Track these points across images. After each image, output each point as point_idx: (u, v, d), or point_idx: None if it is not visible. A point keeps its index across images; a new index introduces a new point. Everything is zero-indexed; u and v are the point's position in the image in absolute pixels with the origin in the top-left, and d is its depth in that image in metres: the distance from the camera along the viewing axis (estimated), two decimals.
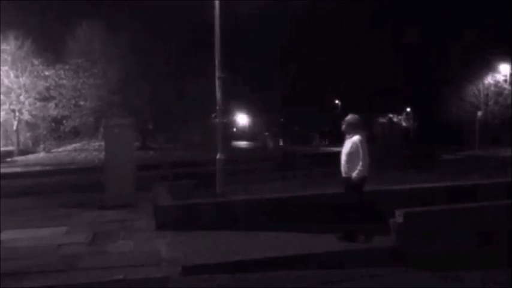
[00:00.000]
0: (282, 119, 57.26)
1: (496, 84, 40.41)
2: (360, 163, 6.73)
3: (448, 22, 43.05)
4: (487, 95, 40.61)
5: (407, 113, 56.26)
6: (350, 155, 6.84)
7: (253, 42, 38.56)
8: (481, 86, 41.05)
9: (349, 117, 7.07)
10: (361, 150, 6.77)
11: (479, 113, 39.18)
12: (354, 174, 6.74)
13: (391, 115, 57.84)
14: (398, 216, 6.69)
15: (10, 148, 30.91)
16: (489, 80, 40.64)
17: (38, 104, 30.68)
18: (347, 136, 6.99)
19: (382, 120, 58.51)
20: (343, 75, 47.97)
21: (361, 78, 47.98)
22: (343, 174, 6.94)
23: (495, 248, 6.49)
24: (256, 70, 40.74)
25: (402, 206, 6.85)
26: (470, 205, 7.25)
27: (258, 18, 35.88)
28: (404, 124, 57.22)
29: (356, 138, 6.84)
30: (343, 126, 7.05)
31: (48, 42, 30.99)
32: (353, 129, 6.96)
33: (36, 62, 30.15)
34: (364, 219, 6.78)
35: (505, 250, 6.39)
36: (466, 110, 40.91)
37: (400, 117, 57.67)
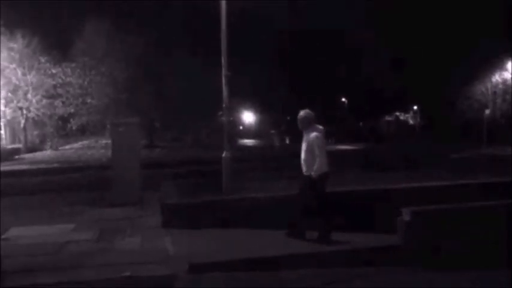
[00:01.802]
0: (288, 117, 57.16)
1: (504, 82, 40.19)
2: (317, 160, 6.59)
3: (453, 21, 42.82)
4: (495, 93, 40.40)
5: (414, 111, 56.01)
6: (307, 152, 6.70)
7: (257, 41, 38.51)
8: (488, 84, 40.85)
9: (301, 113, 6.90)
10: (317, 147, 6.63)
11: (487, 111, 38.97)
12: (313, 172, 6.61)
13: (397, 113, 57.63)
14: (406, 215, 6.66)
15: (17, 146, 31.09)
16: (497, 78, 40.43)
17: (45, 101, 30.82)
18: (304, 133, 6.84)
19: (389, 118, 58.31)
20: (348, 73, 47.88)
21: (366, 77, 47.89)
22: (304, 172, 6.79)
23: (496, 247, 6.46)
24: (261, 69, 40.70)
25: (404, 204, 6.83)
26: (475, 204, 7.21)
27: (261, 16, 35.82)
28: (411, 122, 56.99)
29: (313, 134, 6.70)
30: (298, 124, 6.91)
31: (55, 41, 31.11)
32: (307, 124, 6.81)
33: (43, 60, 30.29)
34: (327, 217, 6.68)
35: (505, 250, 6.36)
36: (473, 108, 40.72)
37: (407, 115, 57.43)
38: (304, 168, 6.79)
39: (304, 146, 6.79)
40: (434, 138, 39.18)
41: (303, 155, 6.79)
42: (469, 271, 5.78)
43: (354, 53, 47.25)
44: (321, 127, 6.83)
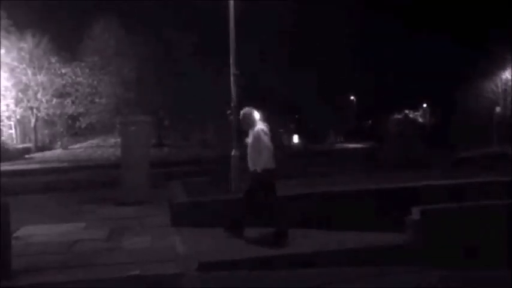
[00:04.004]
0: (296, 116, 57.00)
1: None
2: (262, 156, 6.55)
3: (461, 18, 42.52)
4: (505, 90, 40.05)
5: (424, 109, 55.61)
6: (252, 147, 6.68)
7: (263, 38, 38.38)
8: (498, 82, 40.51)
9: (244, 110, 6.90)
10: (262, 142, 6.58)
11: (497, 109, 38.63)
12: (258, 169, 6.57)
13: (407, 111, 57.22)
14: (415, 214, 6.63)
15: (28, 145, 31.34)
16: (507, 75, 40.07)
17: (55, 101, 31.04)
18: (250, 131, 6.80)
19: (398, 116, 57.92)
20: (357, 71, 47.66)
21: (374, 74, 47.62)
22: (250, 168, 6.78)
23: (503, 247, 6.41)
24: (266, 67, 40.59)
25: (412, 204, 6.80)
26: (482, 203, 7.17)
27: (267, 14, 35.68)
28: (420, 120, 56.57)
29: (257, 129, 6.67)
30: (242, 123, 6.91)
31: (64, 40, 31.30)
32: (252, 122, 6.80)
33: (53, 59, 30.50)
34: (283, 213, 6.64)
35: (505, 250, 6.31)
36: (483, 106, 40.36)
37: (416, 113, 57.02)
38: (250, 165, 6.76)
39: (249, 142, 6.76)
40: (442, 136, 38.88)
41: (248, 151, 6.78)
42: (475, 271, 5.76)
43: (366, 49, 46.99)
44: (265, 123, 6.83)
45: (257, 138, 6.62)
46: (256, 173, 6.62)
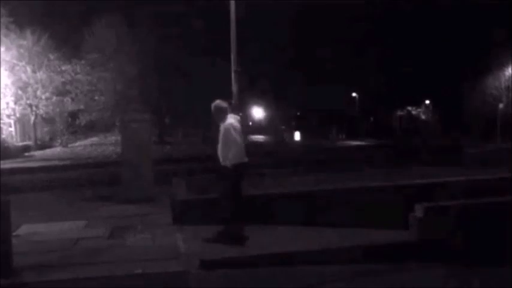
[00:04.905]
0: (297, 113, 57.10)
1: None
2: (231, 151, 6.48)
3: (465, 16, 42.47)
4: (508, 87, 39.98)
5: (427, 106, 55.44)
6: (222, 141, 6.60)
7: (266, 36, 38.42)
8: (502, 78, 40.41)
9: (215, 103, 6.78)
10: (231, 135, 6.50)
11: (501, 105, 38.56)
12: (228, 163, 6.51)
13: (409, 108, 57.11)
14: (418, 211, 6.58)
15: (28, 143, 31.29)
16: (510, 71, 39.97)
17: (55, 99, 30.95)
18: (221, 124, 6.69)
19: (400, 113, 57.87)
20: (360, 67, 47.67)
21: (378, 71, 47.62)
22: (221, 163, 6.71)
23: (507, 244, 6.36)
24: (270, 65, 40.62)
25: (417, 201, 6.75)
26: (489, 200, 7.11)
27: (270, 12, 35.73)
28: (423, 117, 56.45)
29: (227, 122, 6.57)
30: (213, 116, 6.79)
31: (64, 38, 31.23)
32: (223, 115, 6.68)
33: (52, 57, 30.42)
34: (236, 211, 6.54)
35: (506, 248, 6.27)
36: (487, 103, 40.30)
37: (418, 109, 56.87)
38: (220, 159, 6.70)
39: (220, 137, 6.68)
40: (444, 133, 38.86)
41: (219, 146, 6.70)
42: (475, 270, 5.73)
43: (370, 45, 47.04)
44: (237, 116, 6.76)
45: (226, 132, 6.53)
46: (226, 168, 6.57)
